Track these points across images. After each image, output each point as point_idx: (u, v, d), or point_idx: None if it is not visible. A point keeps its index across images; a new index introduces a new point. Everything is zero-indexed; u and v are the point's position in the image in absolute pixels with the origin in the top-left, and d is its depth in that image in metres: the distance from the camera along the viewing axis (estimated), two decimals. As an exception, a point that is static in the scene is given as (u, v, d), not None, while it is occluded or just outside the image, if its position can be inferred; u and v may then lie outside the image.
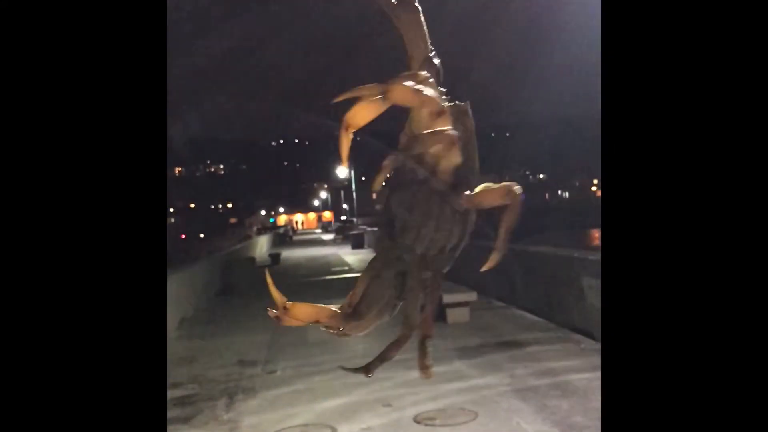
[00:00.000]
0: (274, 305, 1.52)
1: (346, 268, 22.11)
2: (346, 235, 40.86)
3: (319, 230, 79.23)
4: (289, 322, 1.56)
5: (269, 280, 1.55)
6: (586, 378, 6.09)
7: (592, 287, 7.87)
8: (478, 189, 1.50)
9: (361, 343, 8.61)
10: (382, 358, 1.64)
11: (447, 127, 1.41)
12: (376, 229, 1.85)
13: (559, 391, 5.76)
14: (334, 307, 1.62)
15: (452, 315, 9.48)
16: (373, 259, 1.64)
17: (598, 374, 6.20)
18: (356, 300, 1.63)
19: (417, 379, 6.44)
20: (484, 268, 1.57)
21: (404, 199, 1.54)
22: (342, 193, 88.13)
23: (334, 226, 61.64)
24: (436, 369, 5.62)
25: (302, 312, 1.57)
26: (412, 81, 1.39)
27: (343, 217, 77.48)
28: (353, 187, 60.49)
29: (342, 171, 64.00)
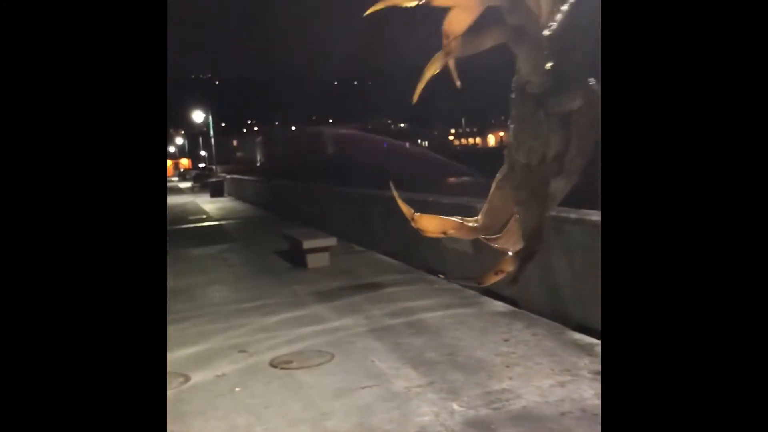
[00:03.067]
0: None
1: (204, 216, 21.44)
2: (204, 183, 39.45)
3: (176, 178, 75.95)
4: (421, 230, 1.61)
5: (395, 194, 1.58)
6: (438, 316, 6.37)
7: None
8: None
9: (218, 293, 8.44)
10: (523, 269, 1.62)
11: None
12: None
13: (413, 329, 5.97)
14: (459, 219, 1.62)
15: (312, 260, 9.51)
16: (499, 172, 1.60)
17: (450, 312, 6.50)
18: (483, 213, 1.61)
19: (273, 325, 6.45)
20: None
21: (512, 108, 1.47)
22: (200, 139, 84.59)
23: (192, 173, 59.28)
24: (294, 313, 5.63)
25: (429, 223, 1.61)
26: None
27: (202, 165, 74.66)
28: (211, 133, 58.20)
29: (198, 116, 61.29)
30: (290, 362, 5.27)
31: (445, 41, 1.34)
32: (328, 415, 4.16)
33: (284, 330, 6.20)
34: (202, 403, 4.53)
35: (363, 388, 4.60)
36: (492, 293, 7.06)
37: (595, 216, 5.39)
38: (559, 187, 1.53)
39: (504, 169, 1.54)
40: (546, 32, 1.36)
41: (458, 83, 1.46)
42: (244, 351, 5.64)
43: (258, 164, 74.06)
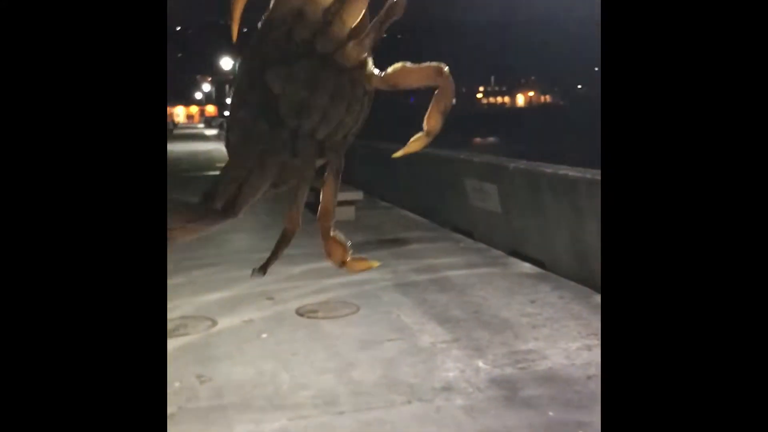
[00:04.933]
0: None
1: (230, 164, 21.52)
2: (230, 130, 39.54)
3: (201, 125, 76.14)
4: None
5: None
6: (464, 274, 6.36)
7: (474, 189, 8.10)
8: (392, 68, 1.35)
9: (244, 240, 8.50)
10: (275, 256, 1.51)
11: None
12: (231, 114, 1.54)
13: (438, 286, 5.97)
14: (196, 201, 1.39)
15: (337, 213, 9.43)
16: (243, 146, 1.36)
17: (475, 271, 6.49)
18: (230, 193, 1.36)
19: (300, 274, 6.48)
20: (410, 150, 1.50)
21: (297, 76, 1.31)
22: (227, 86, 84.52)
23: (218, 121, 59.30)
24: (319, 264, 5.58)
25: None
26: None
27: (227, 112, 74.59)
28: (239, 81, 57.87)
29: (227, 62, 61.03)
30: (316, 312, 5.32)
31: None
32: (354, 366, 4.20)
33: (310, 280, 6.24)
34: (229, 347, 4.60)
35: (388, 341, 4.63)
36: (519, 254, 7.02)
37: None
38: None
39: (261, 145, 1.37)
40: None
41: (234, 38, 1.39)
42: (270, 298, 5.69)
43: (283, 114, 73.78)
